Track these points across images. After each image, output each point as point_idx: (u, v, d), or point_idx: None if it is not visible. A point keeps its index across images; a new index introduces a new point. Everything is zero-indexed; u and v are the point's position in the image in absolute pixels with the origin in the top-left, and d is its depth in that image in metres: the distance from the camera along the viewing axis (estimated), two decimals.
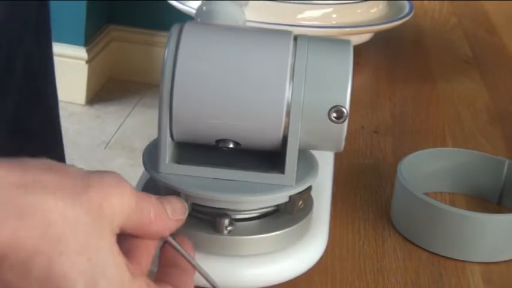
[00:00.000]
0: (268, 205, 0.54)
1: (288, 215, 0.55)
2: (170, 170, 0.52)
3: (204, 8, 0.58)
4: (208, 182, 0.52)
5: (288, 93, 0.50)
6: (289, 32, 0.53)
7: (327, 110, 0.51)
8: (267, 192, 0.52)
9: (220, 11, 0.57)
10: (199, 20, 0.58)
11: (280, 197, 0.53)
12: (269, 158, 0.54)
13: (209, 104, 0.51)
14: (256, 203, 0.53)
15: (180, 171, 0.52)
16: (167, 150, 0.52)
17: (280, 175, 0.52)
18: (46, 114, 0.91)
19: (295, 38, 0.53)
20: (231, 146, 0.52)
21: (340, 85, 0.51)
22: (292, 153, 0.52)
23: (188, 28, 0.52)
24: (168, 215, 0.43)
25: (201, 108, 0.51)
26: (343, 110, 0.51)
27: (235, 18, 0.57)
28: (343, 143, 0.53)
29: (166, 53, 0.51)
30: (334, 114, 0.51)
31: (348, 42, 0.53)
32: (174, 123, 0.51)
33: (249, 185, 0.52)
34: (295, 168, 0.52)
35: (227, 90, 0.50)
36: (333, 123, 0.51)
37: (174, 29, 0.52)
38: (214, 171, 0.53)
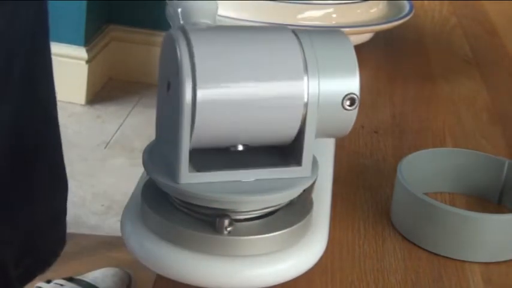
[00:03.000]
0: (287, 200, 0.54)
1: (301, 207, 0.55)
2: (191, 179, 0.51)
3: (179, 7, 0.57)
4: (226, 185, 0.52)
5: (305, 86, 0.51)
6: (285, 28, 0.54)
7: (341, 99, 0.52)
8: (286, 188, 0.52)
9: (194, 7, 0.56)
10: (181, 20, 0.57)
11: (298, 191, 0.53)
12: (277, 153, 0.54)
13: (233, 107, 0.50)
14: (280, 199, 0.53)
15: (201, 179, 0.51)
16: (187, 160, 0.50)
17: (298, 167, 0.53)
18: (44, 116, 0.91)
19: (294, 32, 0.53)
20: (241, 148, 0.52)
21: (350, 73, 0.52)
22: (309, 144, 0.52)
23: (196, 33, 0.51)
24: None
25: (226, 111, 0.50)
26: (355, 97, 0.52)
27: (213, 15, 0.57)
28: (351, 128, 0.54)
29: (179, 58, 0.49)
30: (348, 102, 0.52)
31: (339, 31, 0.54)
32: (196, 131, 0.50)
33: (263, 183, 0.52)
34: (311, 159, 0.53)
35: (248, 90, 0.50)
36: (346, 111, 0.52)
37: (178, 35, 0.50)
38: (234, 173, 0.52)
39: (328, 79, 0.52)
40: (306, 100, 0.51)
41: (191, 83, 0.49)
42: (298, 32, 0.53)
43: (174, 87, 0.51)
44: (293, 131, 0.52)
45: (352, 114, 0.53)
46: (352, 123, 0.53)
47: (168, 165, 0.52)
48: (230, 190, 0.51)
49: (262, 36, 0.53)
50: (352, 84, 0.52)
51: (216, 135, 0.51)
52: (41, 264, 1.00)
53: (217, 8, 0.58)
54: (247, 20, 0.94)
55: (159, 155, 0.54)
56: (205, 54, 0.49)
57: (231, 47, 0.51)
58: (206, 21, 0.56)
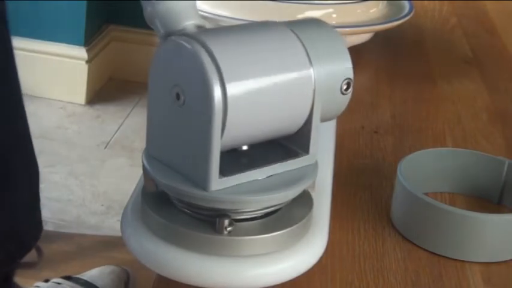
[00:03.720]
0: (287, 199, 0.54)
1: (301, 207, 0.55)
2: (220, 185, 0.51)
3: (161, 9, 0.56)
4: (246, 186, 0.52)
5: (312, 74, 0.53)
6: (279, 23, 0.54)
7: (340, 84, 0.55)
8: (287, 188, 0.53)
9: (178, 9, 0.55)
10: (158, 23, 0.56)
11: (298, 190, 0.54)
12: (276, 149, 0.55)
13: (257, 103, 0.51)
14: (280, 198, 0.53)
15: (226, 183, 0.51)
16: (218, 166, 0.50)
17: (306, 156, 0.55)
18: (9, 105, 0.92)
19: (288, 28, 0.55)
20: (245, 148, 0.53)
21: (345, 59, 0.55)
22: (316, 130, 0.54)
23: (208, 36, 0.50)
24: None
25: (251, 108, 0.51)
26: (351, 81, 0.55)
27: (197, 14, 0.56)
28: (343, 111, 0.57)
29: (202, 63, 0.48)
30: (345, 87, 0.55)
31: (317, 19, 0.57)
32: (225, 133, 0.50)
33: (263, 182, 0.53)
34: (317, 146, 0.55)
35: (268, 84, 0.51)
36: (343, 95, 0.55)
37: (190, 42, 0.49)
38: (251, 174, 0.52)
39: (328, 66, 0.54)
40: (313, 87, 0.53)
41: (219, 86, 0.49)
42: (289, 25, 0.54)
43: (189, 95, 0.50)
44: (303, 119, 0.54)
45: (347, 97, 0.56)
46: (346, 106, 0.57)
47: (178, 172, 0.52)
48: (231, 190, 0.51)
49: (266, 34, 0.53)
50: (347, 69, 0.55)
51: (241, 134, 0.51)
52: (22, 248, 1.01)
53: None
54: (247, 20, 0.94)
55: (158, 163, 0.53)
56: (225, 55, 0.49)
57: (244, 47, 0.51)
58: (195, 22, 0.55)
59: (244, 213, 0.53)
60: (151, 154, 0.54)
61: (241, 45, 0.52)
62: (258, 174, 0.52)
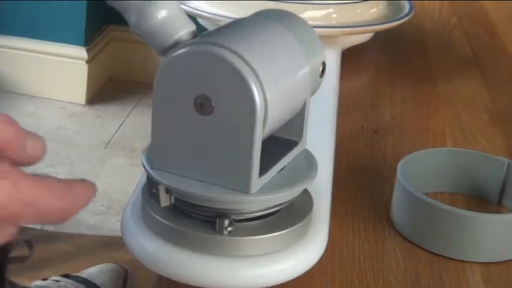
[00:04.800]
0: (287, 199, 0.54)
1: (301, 207, 0.56)
2: (258, 186, 0.51)
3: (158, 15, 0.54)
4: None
5: (306, 62, 0.55)
6: (272, 20, 0.56)
7: (320, 68, 0.57)
8: (286, 188, 0.53)
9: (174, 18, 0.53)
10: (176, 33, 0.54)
11: (298, 190, 0.54)
12: (269, 139, 0.55)
13: (283, 99, 0.52)
14: (281, 198, 0.54)
15: (261, 183, 0.51)
16: (258, 168, 0.50)
17: (301, 142, 0.56)
18: None
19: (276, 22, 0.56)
20: None
21: (318, 44, 0.57)
22: (307, 116, 0.56)
23: (231, 41, 0.50)
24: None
25: (281, 106, 0.52)
26: (325, 63, 0.58)
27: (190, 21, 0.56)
28: None
29: (240, 70, 0.48)
30: (321, 70, 0.57)
31: (289, 12, 0.59)
32: (264, 132, 0.50)
33: (276, 179, 0.53)
34: (307, 128, 0.56)
35: (287, 86, 0.53)
36: (320, 78, 0.58)
37: (218, 50, 0.49)
38: (275, 168, 0.53)
39: (312, 56, 0.56)
40: (307, 78, 0.55)
41: (260, 90, 0.49)
42: (276, 20, 0.56)
43: (221, 103, 0.49)
44: (300, 107, 0.56)
45: (322, 80, 0.58)
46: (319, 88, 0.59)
47: (197, 180, 0.51)
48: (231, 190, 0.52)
49: (273, 34, 0.55)
50: (323, 54, 0.58)
51: (267, 132, 0.52)
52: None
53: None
54: None
55: (171, 176, 0.52)
56: (255, 59, 0.49)
57: (264, 48, 0.52)
58: (188, 29, 0.55)
59: (245, 213, 0.53)
60: (162, 168, 0.52)
61: (262, 47, 0.52)
62: (277, 168, 0.53)
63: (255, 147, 0.49)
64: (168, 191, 0.52)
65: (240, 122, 0.49)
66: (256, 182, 0.50)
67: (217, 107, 0.49)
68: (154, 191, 0.52)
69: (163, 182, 0.51)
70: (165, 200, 0.52)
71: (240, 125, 0.49)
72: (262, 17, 0.56)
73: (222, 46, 0.49)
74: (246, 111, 0.49)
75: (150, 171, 0.52)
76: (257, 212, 0.53)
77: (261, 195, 0.52)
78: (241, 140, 0.49)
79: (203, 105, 0.50)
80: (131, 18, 0.55)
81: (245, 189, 0.50)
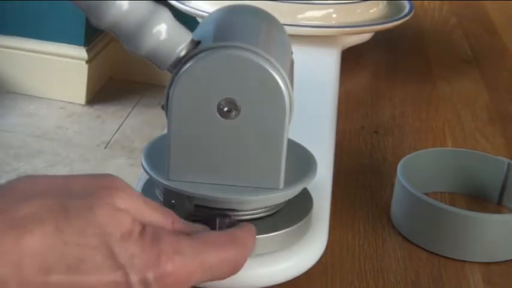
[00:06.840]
0: (287, 198, 0.55)
1: (301, 207, 0.56)
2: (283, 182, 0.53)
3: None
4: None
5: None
6: (264, 17, 0.57)
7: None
8: (299, 182, 0.54)
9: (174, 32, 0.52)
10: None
11: (297, 190, 0.55)
12: None
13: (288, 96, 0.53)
14: (280, 198, 0.54)
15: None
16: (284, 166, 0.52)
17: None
18: None
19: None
20: None
21: (288, 39, 0.59)
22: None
23: (251, 43, 0.51)
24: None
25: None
26: (293, 60, 0.58)
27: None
28: None
29: (270, 71, 0.49)
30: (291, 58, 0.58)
31: (262, 10, 0.59)
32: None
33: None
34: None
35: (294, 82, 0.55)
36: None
37: (248, 54, 0.50)
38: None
39: (290, 48, 0.58)
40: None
41: (288, 91, 0.50)
42: (261, 15, 0.57)
43: (248, 106, 0.50)
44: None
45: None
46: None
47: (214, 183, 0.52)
48: (232, 190, 0.52)
49: (265, 29, 0.55)
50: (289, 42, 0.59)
51: None
52: None
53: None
54: None
55: (186, 183, 0.53)
56: (276, 58, 0.51)
57: (277, 49, 0.53)
58: (191, 37, 0.54)
59: (245, 213, 0.53)
60: (179, 178, 0.52)
61: (275, 47, 0.53)
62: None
63: (284, 143, 0.51)
64: (188, 199, 0.52)
65: (269, 120, 0.50)
66: (283, 178, 0.52)
67: (244, 109, 0.50)
68: (173, 201, 0.52)
69: (188, 191, 0.52)
70: (188, 209, 0.52)
71: (269, 124, 0.50)
72: (248, 15, 0.56)
73: (245, 49, 0.50)
74: (276, 109, 0.50)
75: (168, 183, 0.52)
76: (257, 211, 0.54)
77: (260, 195, 0.52)
78: (271, 138, 0.51)
79: (228, 109, 0.50)
80: (130, 44, 0.56)
81: (275, 185, 0.52)
